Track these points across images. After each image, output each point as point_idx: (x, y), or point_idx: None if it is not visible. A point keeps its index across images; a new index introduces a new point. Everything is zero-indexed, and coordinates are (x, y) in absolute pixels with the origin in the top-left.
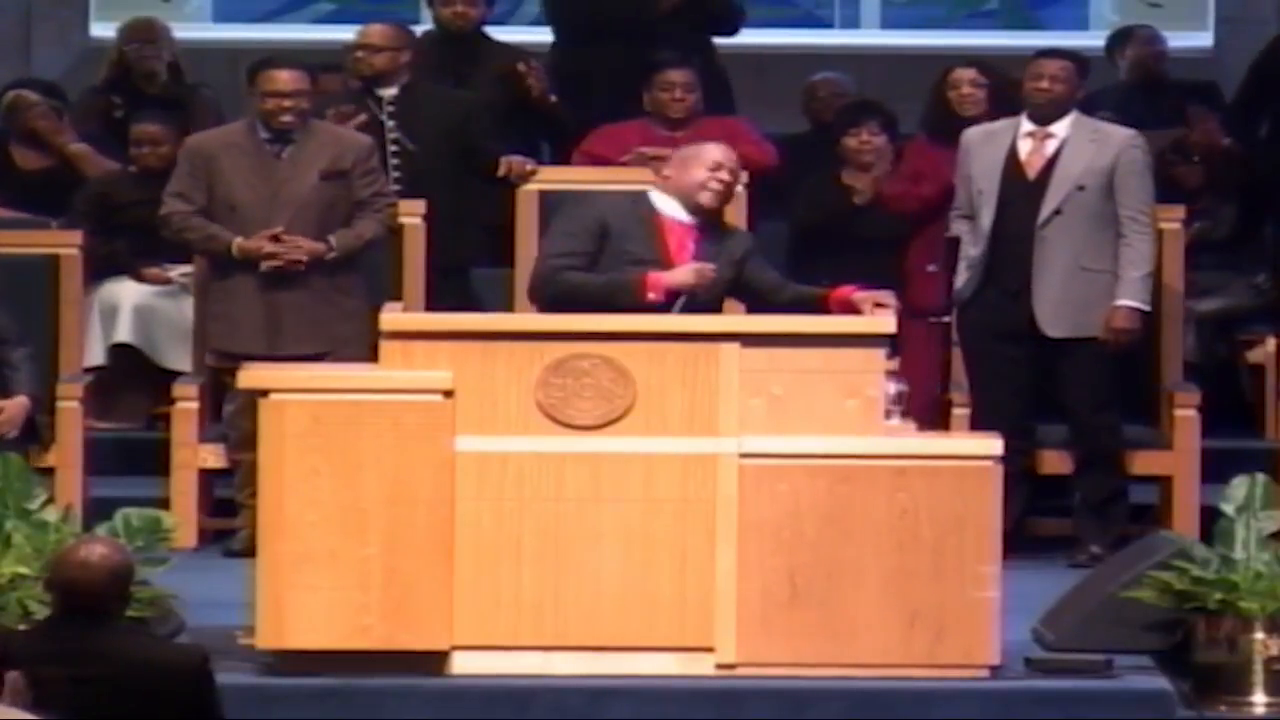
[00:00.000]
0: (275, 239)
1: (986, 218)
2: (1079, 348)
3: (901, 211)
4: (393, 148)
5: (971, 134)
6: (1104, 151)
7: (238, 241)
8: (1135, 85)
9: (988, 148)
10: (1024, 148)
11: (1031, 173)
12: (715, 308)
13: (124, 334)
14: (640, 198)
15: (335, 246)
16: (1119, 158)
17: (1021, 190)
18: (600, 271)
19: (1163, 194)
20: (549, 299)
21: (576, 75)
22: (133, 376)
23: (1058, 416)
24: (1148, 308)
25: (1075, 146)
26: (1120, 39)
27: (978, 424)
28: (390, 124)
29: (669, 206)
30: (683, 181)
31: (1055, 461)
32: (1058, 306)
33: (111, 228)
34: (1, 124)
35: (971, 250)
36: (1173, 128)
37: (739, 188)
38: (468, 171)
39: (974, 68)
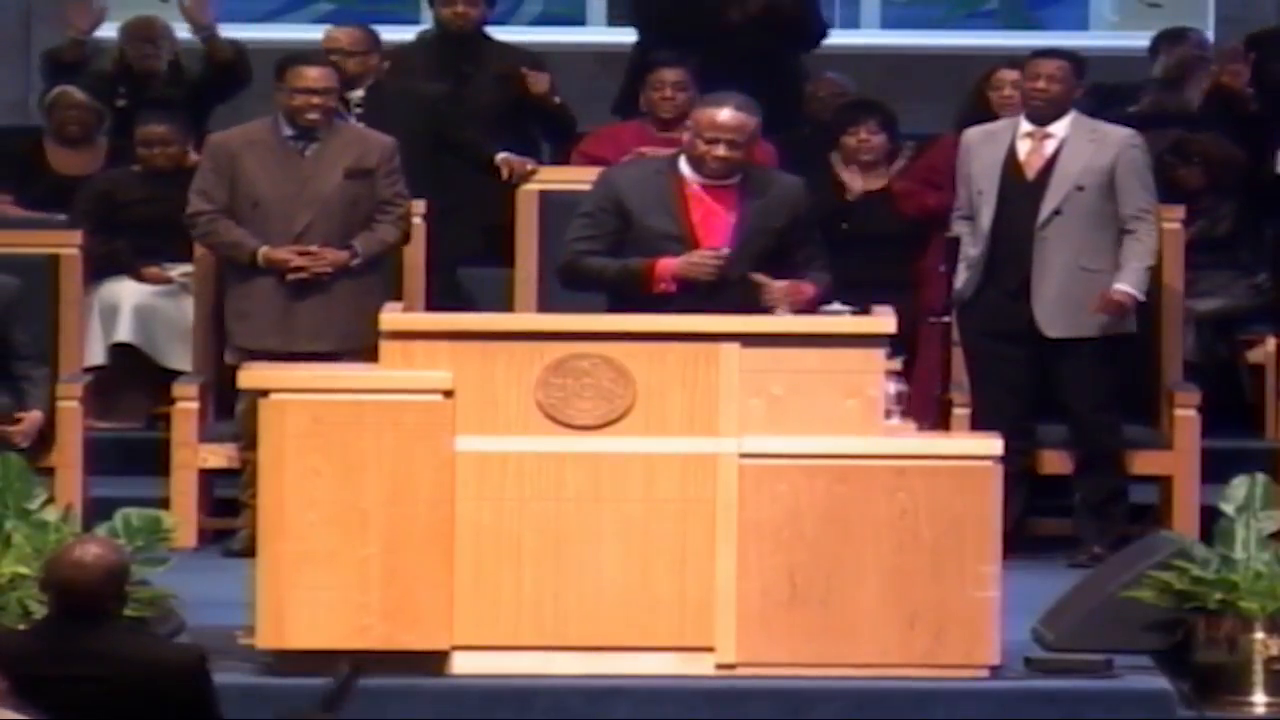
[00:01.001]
0: (301, 253)
1: (986, 217)
2: (1078, 347)
3: (906, 213)
4: None
5: (971, 134)
6: (1103, 151)
7: (264, 251)
8: (1171, 84)
9: (987, 148)
10: (1023, 148)
11: (1031, 173)
12: (763, 268)
13: (124, 333)
14: (666, 164)
15: (360, 253)
16: (1118, 157)
17: (1021, 190)
18: (628, 250)
19: (1163, 195)
20: (572, 286)
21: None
22: (133, 376)
23: (1058, 416)
24: (1142, 296)
25: (1074, 146)
26: (1169, 38)
27: (978, 424)
28: (358, 126)
29: (695, 172)
30: (690, 151)
31: (1055, 461)
32: (1057, 306)
33: (114, 226)
34: (42, 121)
35: (971, 250)
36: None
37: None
38: (467, 168)
39: (1018, 69)
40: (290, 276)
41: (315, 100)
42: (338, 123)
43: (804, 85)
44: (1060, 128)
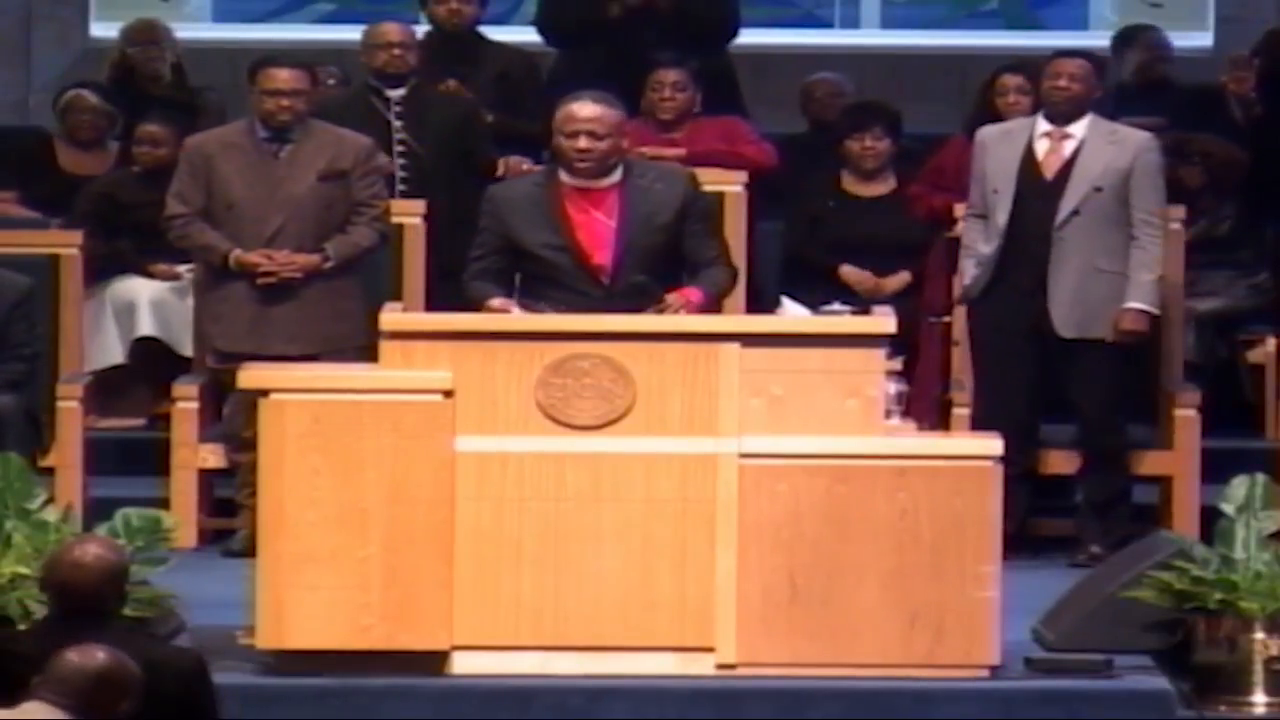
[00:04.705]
0: (269, 257)
1: (1002, 216)
2: (1092, 348)
3: (915, 216)
4: (399, 148)
5: (986, 132)
6: (1122, 153)
7: (235, 254)
8: (1138, 86)
9: (1003, 146)
10: (1041, 148)
11: (1049, 173)
12: (657, 271)
13: (146, 327)
14: (545, 175)
15: (332, 256)
16: (1135, 160)
17: (1038, 190)
18: (523, 264)
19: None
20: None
21: (573, 79)
22: (155, 369)
23: (1061, 417)
24: (1157, 311)
25: (1093, 147)
26: (1126, 39)
27: (980, 423)
28: (397, 124)
29: (571, 176)
30: (557, 153)
31: (1057, 462)
32: (1072, 307)
33: (117, 228)
34: (52, 121)
35: (983, 248)
36: (1174, 129)
37: (743, 183)
38: (467, 173)
39: (1021, 74)
40: (259, 281)
41: (284, 102)
42: (313, 124)
43: (735, 78)
44: (1079, 128)
